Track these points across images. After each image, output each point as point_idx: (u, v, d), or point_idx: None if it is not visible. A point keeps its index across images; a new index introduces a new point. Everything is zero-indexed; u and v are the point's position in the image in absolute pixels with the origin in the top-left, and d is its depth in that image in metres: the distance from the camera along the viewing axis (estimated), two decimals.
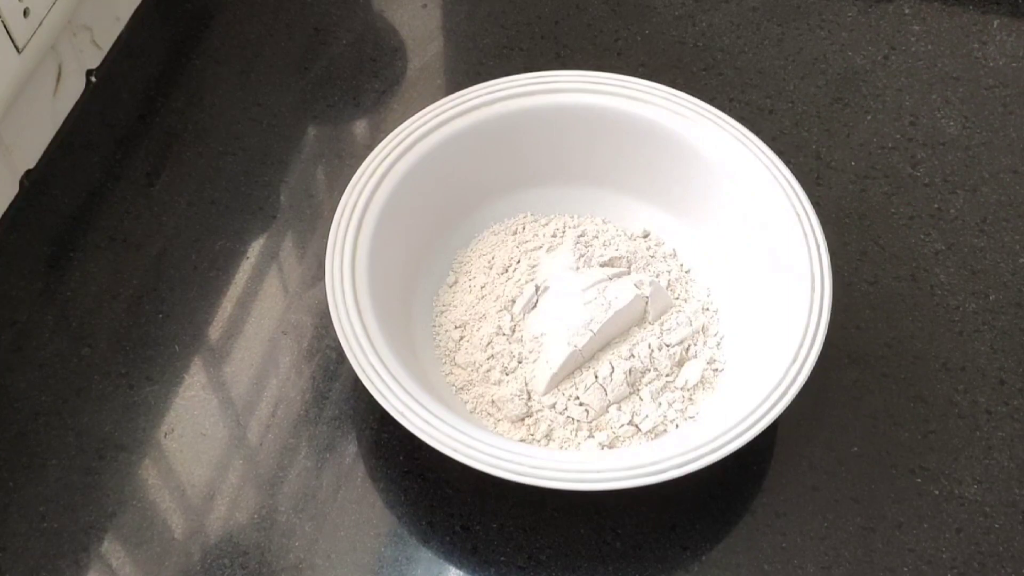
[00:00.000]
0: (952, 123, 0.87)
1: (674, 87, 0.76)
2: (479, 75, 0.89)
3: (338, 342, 0.66)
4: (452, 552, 0.67)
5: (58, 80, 0.83)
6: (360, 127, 0.88)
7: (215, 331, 0.76)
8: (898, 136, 0.86)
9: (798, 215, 0.71)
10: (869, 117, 0.86)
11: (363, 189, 0.72)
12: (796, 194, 0.72)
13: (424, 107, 0.75)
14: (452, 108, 0.76)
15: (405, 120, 0.75)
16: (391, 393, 0.64)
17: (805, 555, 0.66)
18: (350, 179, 0.72)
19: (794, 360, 0.65)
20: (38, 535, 0.67)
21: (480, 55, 0.92)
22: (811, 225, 0.71)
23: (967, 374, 0.74)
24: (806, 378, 0.65)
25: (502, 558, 0.66)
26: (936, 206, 0.82)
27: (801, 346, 0.66)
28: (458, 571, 0.66)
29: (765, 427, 0.63)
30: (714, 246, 0.76)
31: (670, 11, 0.95)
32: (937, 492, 0.69)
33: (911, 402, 0.73)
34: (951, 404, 0.73)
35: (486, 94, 0.76)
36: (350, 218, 0.71)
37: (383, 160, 0.73)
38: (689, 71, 0.90)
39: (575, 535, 0.67)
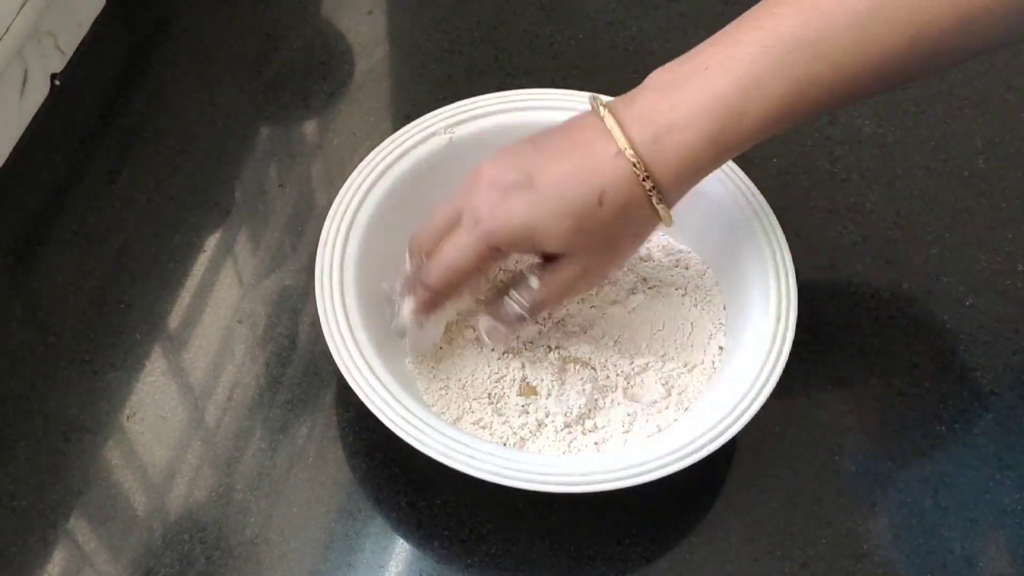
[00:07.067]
0: (868, 122, 0.89)
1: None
2: (422, 77, 0.90)
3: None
4: (398, 527, 0.68)
5: (24, 84, 0.84)
6: (310, 127, 0.88)
7: (174, 320, 0.76)
8: (817, 134, 0.88)
9: (756, 213, 0.73)
10: None
11: (347, 208, 0.72)
12: (752, 190, 0.74)
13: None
14: (432, 125, 0.76)
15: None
16: (362, 378, 0.65)
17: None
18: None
19: (764, 364, 0.67)
20: (8, 513, 0.68)
21: (423, 58, 0.92)
22: (769, 222, 0.73)
23: (883, 358, 0.76)
24: (776, 382, 0.66)
25: (445, 532, 0.68)
26: (853, 200, 0.84)
27: (770, 351, 0.67)
28: (404, 544, 0.68)
29: (729, 438, 0.64)
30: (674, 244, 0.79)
31: (602, 17, 0.96)
32: (854, 469, 0.71)
33: (831, 384, 0.75)
34: (868, 386, 0.75)
35: (470, 110, 0.77)
36: (336, 238, 0.71)
37: (365, 179, 0.73)
38: (620, 74, 0.90)
39: (514, 510, 0.69)
